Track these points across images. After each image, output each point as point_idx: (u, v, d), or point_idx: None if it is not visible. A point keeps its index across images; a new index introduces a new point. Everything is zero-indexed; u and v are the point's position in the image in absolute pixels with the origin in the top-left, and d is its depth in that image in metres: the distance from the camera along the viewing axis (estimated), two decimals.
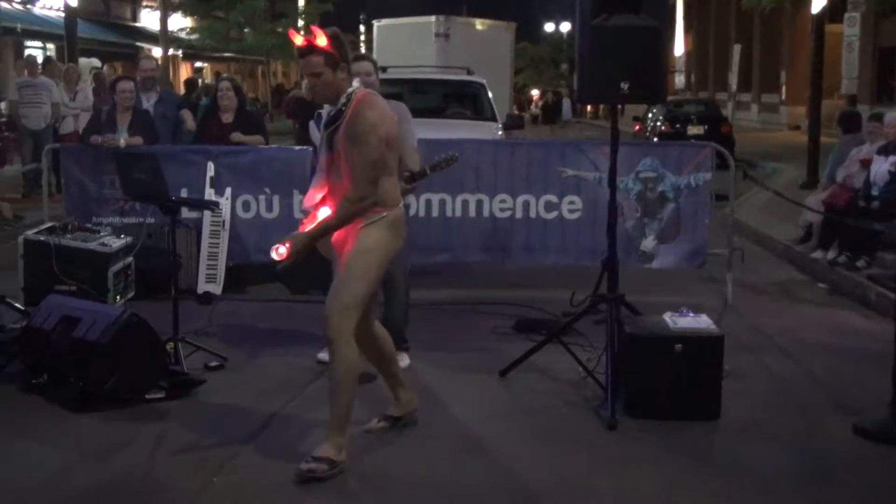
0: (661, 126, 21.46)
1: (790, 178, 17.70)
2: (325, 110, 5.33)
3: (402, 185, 6.58)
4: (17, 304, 6.94)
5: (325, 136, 5.19)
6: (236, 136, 9.23)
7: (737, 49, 27.92)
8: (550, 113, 39.13)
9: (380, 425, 5.63)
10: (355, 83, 5.17)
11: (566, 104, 36.37)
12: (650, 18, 6.04)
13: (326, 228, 5.09)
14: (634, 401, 5.86)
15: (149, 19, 39.78)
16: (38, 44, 29.93)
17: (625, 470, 5.17)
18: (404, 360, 6.85)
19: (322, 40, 5.03)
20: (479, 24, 21.67)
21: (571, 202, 8.99)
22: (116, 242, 7.76)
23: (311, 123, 5.01)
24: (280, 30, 38.12)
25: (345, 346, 5.01)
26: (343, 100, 5.09)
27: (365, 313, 5.19)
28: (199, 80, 26.43)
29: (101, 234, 7.92)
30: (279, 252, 4.99)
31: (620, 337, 6.05)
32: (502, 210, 9.03)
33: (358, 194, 4.99)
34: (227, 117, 9.44)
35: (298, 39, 5.12)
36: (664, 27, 6.17)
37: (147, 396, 6.02)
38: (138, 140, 8.98)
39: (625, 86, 6.02)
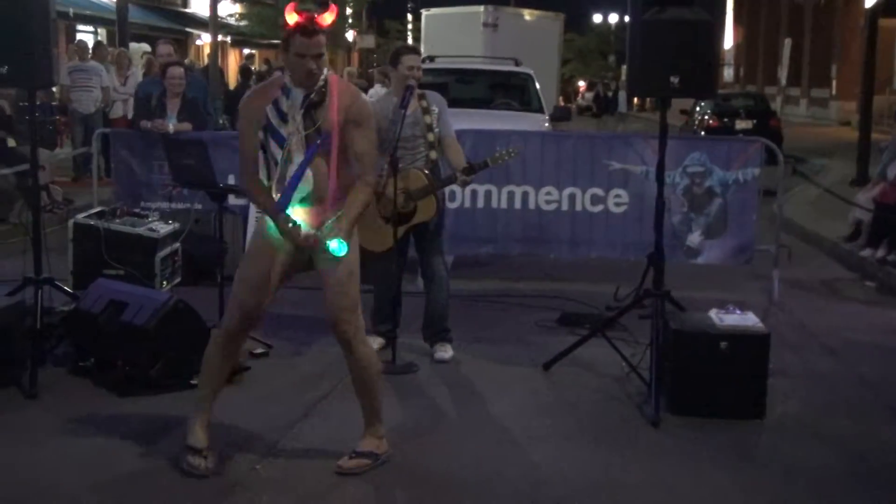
0: (708, 120, 21.27)
1: (839, 174, 17.49)
2: (284, 95, 4.78)
3: (462, 177, 6.59)
4: (65, 287, 7.01)
5: (302, 123, 4.75)
6: (179, 125, 9.21)
7: (787, 43, 27.63)
8: (602, 105, 38.83)
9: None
10: (326, 68, 4.88)
11: (622, 96, 36.10)
12: (703, 12, 5.97)
13: (357, 217, 4.84)
14: (678, 397, 5.82)
15: (198, 5, 40.04)
16: (90, 28, 30.24)
17: (668, 467, 5.15)
18: (448, 352, 6.86)
19: (330, 17, 4.71)
20: (528, 14, 21.60)
21: (618, 196, 8.94)
22: (164, 228, 7.82)
23: (270, 111, 4.56)
24: None
25: (362, 345, 4.97)
26: (321, 83, 4.79)
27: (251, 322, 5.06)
28: (252, 67, 26.54)
29: (150, 219, 7.99)
30: (338, 247, 4.71)
31: (665, 333, 6.01)
32: (548, 202, 9.00)
33: (374, 177, 4.90)
34: None
35: (292, 17, 4.69)
36: (717, 21, 6.10)
37: (192, 382, 6.02)
38: (187, 126, 9.04)
39: (675, 80, 5.96)
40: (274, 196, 4.78)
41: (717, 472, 5.09)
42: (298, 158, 4.75)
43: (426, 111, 6.72)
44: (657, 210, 6.34)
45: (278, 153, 4.76)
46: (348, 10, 40.47)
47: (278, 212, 4.76)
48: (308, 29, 4.70)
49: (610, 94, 39.44)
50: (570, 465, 5.14)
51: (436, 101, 6.86)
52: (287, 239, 4.80)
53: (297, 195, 4.77)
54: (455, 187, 7.73)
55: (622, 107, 36.20)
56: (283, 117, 4.76)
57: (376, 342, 6.96)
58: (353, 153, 4.81)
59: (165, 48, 10.89)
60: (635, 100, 50.96)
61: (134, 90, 15.16)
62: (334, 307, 4.89)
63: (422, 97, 6.77)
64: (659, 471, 5.10)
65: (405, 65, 6.71)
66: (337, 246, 4.71)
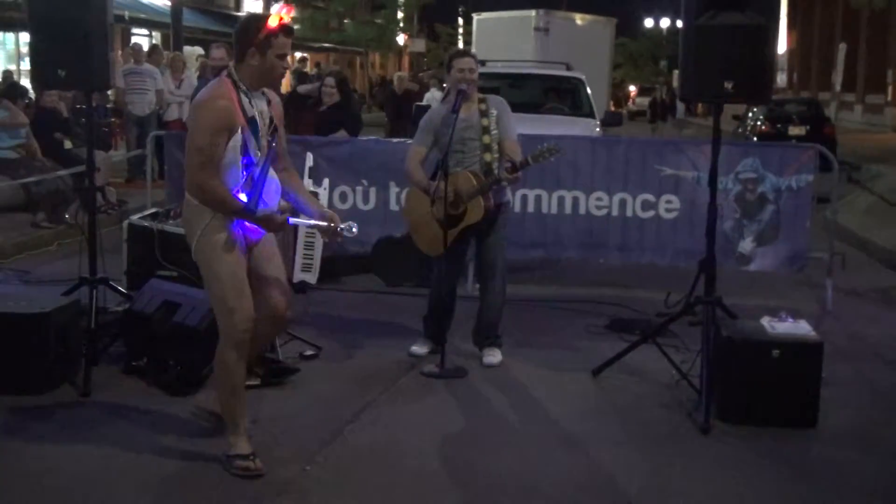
0: (761, 125, 21.08)
1: (894, 181, 17.25)
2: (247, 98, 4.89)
3: (506, 176, 6.57)
4: (120, 288, 7.09)
5: (266, 126, 4.98)
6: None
7: (842, 48, 27.27)
8: (658, 111, 38.33)
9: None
10: None
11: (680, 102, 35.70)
12: (757, 16, 5.92)
13: None
14: (729, 405, 5.77)
15: (251, 8, 40.42)
16: (145, 32, 30.63)
17: (718, 474, 5.11)
18: (496, 356, 6.85)
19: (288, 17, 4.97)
20: (579, 18, 21.55)
21: (669, 201, 8.89)
22: None
23: (256, 115, 4.83)
24: (379, 21, 38.39)
25: None
26: None
27: None
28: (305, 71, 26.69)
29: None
30: (353, 227, 5.06)
31: (716, 340, 5.97)
32: (598, 208, 8.97)
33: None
34: (323, 108, 9.59)
35: (275, 19, 4.89)
36: (771, 26, 6.04)
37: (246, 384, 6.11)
38: None
39: (729, 85, 5.92)
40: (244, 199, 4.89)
41: (768, 481, 5.05)
42: (261, 160, 4.92)
43: (484, 114, 6.73)
44: (709, 216, 6.30)
45: (257, 157, 4.89)
46: (399, 14, 40.60)
47: (253, 211, 4.88)
48: (289, 28, 4.88)
49: (666, 98, 38.98)
50: (618, 471, 5.12)
51: (495, 103, 6.85)
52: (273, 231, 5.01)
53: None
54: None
55: (681, 113, 35.76)
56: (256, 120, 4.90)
57: (426, 346, 6.98)
58: (282, 148, 5.11)
59: (219, 52, 10.95)
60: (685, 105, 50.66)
61: (188, 93, 15.38)
62: (285, 295, 5.15)
63: (482, 101, 6.78)
64: (708, 478, 5.07)
65: (457, 68, 6.74)
66: (351, 227, 5.05)
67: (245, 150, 4.83)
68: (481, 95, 6.86)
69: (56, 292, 6.70)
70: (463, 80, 6.71)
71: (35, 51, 6.51)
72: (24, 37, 24.64)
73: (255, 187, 4.87)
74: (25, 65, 24.91)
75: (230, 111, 4.79)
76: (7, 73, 21.86)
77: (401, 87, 19.51)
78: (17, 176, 11.20)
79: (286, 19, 4.91)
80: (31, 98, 14.68)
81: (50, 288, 7.62)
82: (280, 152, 5.09)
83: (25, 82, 18.79)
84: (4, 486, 4.78)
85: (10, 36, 25.83)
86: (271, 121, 4.98)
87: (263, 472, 4.91)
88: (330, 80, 9.81)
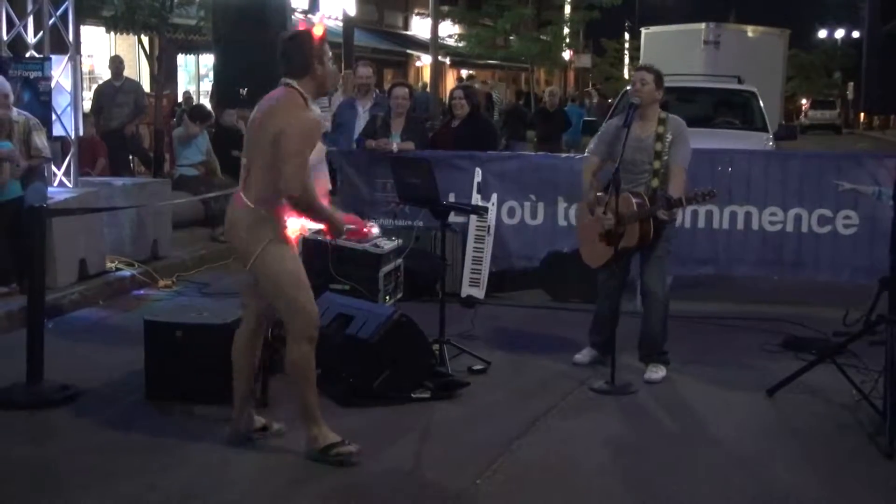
0: None
1: None
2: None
3: (661, 213, 6.48)
4: None
5: None
6: (403, 144, 9.26)
7: None
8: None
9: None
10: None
11: None
12: None
13: None
14: None
15: (419, 27, 41.03)
16: None
17: None
18: (658, 373, 6.76)
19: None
20: (751, 31, 21.12)
21: (847, 217, 8.62)
22: (388, 244, 8.00)
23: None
24: (545, 37, 38.40)
25: None
26: None
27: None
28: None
29: (374, 235, 8.19)
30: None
31: None
32: (772, 223, 8.77)
33: None
34: (455, 122, 9.63)
35: (319, 29, 5.25)
36: None
37: (413, 395, 6.19)
38: (410, 145, 9.24)
39: None
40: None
41: None
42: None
43: (660, 137, 6.65)
44: (893, 232, 6.06)
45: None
46: (566, 30, 40.49)
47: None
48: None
49: None
50: (797, 494, 4.96)
51: (673, 126, 6.74)
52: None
53: None
54: None
55: None
56: None
57: (589, 355, 7.03)
58: None
59: (366, 70, 11.04)
60: (862, 116, 48.88)
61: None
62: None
63: (661, 122, 6.69)
64: None
65: (630, 84, 6.77)
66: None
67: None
68: (663, 115, 6.76)
69: (235, 304, 6.90)
70: (634, 95, 6.69)
71: (218, 71, 6.78)
72: (204, 59, 25.68)
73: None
74: (205, 85, 25.94)
75: (319, 123, 5.24)
76: (186, 94, 22.80)
77: (552, 104, 18.96)
78: (198, 192, 11.63)
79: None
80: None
81: (229, 299, 7.87)
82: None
83: (204, 101, 19.55)
84: (185, 488, 4.95)
85: (192, 58, 26.92)
86: None
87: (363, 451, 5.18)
88: (458, 92, 9.84)
